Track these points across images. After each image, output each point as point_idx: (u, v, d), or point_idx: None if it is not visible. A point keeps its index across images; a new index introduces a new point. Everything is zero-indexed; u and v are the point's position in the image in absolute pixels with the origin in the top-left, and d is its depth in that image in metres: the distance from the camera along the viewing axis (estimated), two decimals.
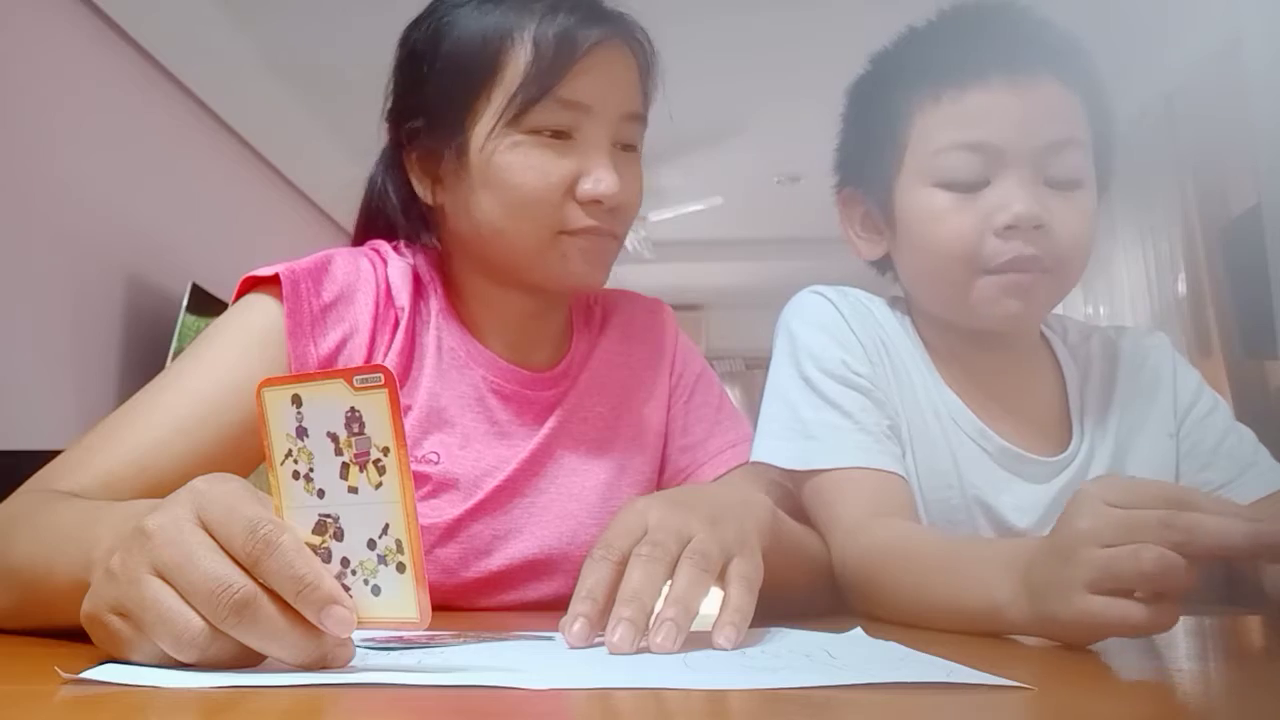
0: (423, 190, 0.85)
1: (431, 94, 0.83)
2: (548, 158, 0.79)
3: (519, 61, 0.79)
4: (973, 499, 0.88)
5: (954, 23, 0.89)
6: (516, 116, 0.79)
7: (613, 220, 0.82)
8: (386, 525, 0.45)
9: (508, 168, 0.79)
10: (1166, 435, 0.94)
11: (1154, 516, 0.51)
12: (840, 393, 0.88)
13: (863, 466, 0.84)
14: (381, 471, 0.44)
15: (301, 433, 0.45)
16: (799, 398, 0.89)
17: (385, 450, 0.44)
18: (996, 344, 0.91)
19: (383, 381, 0.43)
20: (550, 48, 0.78)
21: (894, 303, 0.97)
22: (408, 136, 0.85)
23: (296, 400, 0.45)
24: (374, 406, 0.44)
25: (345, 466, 0.45)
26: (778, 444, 0.89)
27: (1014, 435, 0.90)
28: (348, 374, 0.44)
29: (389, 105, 0.87)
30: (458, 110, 0.81)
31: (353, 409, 0.44)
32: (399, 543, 0.45)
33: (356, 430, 0.44)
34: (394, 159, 0.88)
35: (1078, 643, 0.56)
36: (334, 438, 0.45)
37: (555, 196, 0.79)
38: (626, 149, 0.84)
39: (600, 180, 0.79)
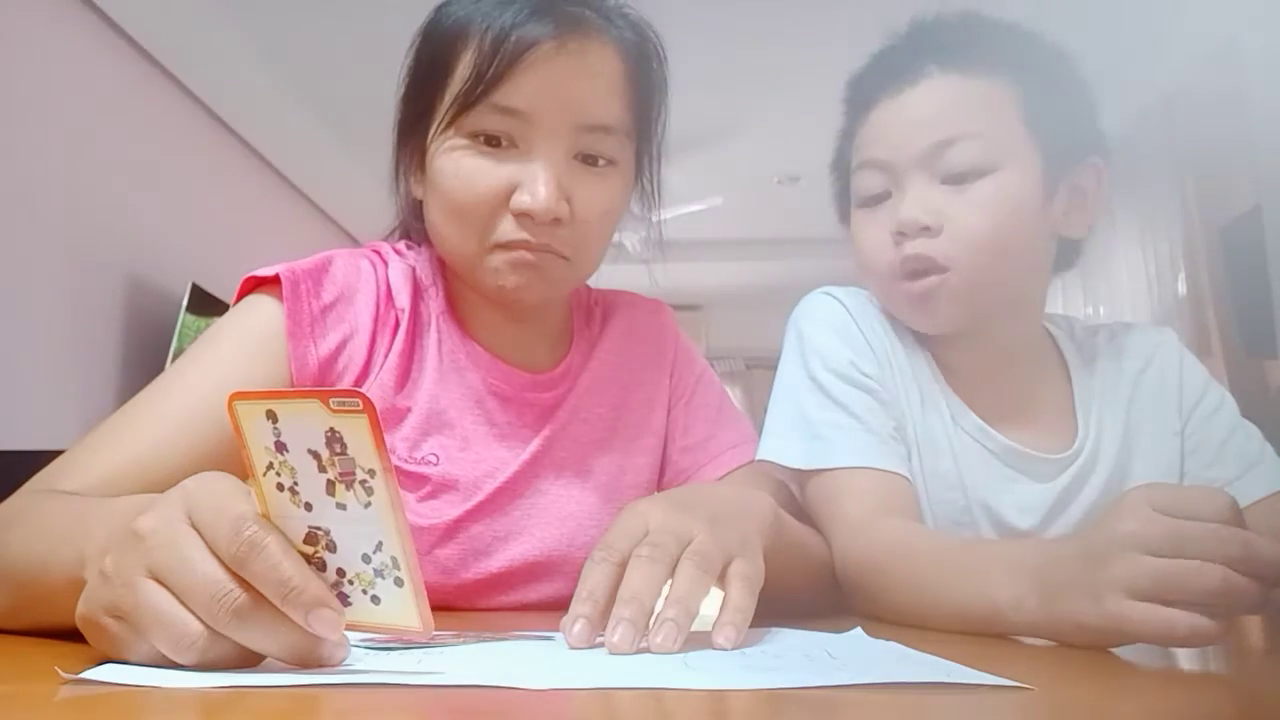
0: (412, 186, 0.86)
1: (406, 93, 0.83)
2: (481, 165, 0.77)
3: (466, 61, 0.77)
4: (975, 501, 0.88)
5: (889, 40, 0.92)
6: (454, 120, 0.77)
7: (552, 236, 0.77)
8: (380, 543, 0.44)
9: (441, 173, 0.78)
10: (1171, 433, 0.93)
11: (1208, 530, 0.51)
12: (848, 393, 0.88)
13: (868, 467, 0.84)
14: (369, 492, 0.43)
15: (281, 447, 0.44)
16: (806, 397, 0.89)
17: (371, 472, 0.43)
18: (992, 344, 0.91)
19: (361, 407, 0.41)
20: (488, 48, 0.75)
21: None
22: (399, 136, 0.85)
23: (272, 416, 0.43)
24: (354, 429, 0.42)
25: (331, 484, 0.43)
26: (784, 443, 0.89)
27: (1018, 433, 0.90)
28: (324, 395, 0.42)
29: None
30: (418, 109, 0.81)
31: (332, 429, 0.42)
32: (394, 559, 0.44)
33: (339, 450, 0.42)
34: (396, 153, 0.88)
35: (1091, 646, 0.55)
36: (316, 455, 0.43)
37: (484, 207, 0.77)
38: (593, 161, 0.79)
39: (532, 194, 0.75)
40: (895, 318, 0.93)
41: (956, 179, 0.84)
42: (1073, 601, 0.54)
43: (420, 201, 0.85)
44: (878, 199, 0.88)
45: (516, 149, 0.77)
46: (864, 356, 0.90)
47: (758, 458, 0.90)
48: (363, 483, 0.43)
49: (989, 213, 0.83)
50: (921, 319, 0.89)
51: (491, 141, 0.77)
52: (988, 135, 0.84)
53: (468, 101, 0.76)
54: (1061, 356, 0.96)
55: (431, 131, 0.79)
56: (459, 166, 0.77)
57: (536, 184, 0.75)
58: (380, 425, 0.42)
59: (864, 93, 0.90)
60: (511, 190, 0.76)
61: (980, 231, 0.83)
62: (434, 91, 0.79)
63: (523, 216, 0.76)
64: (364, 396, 0.41)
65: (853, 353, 0.90)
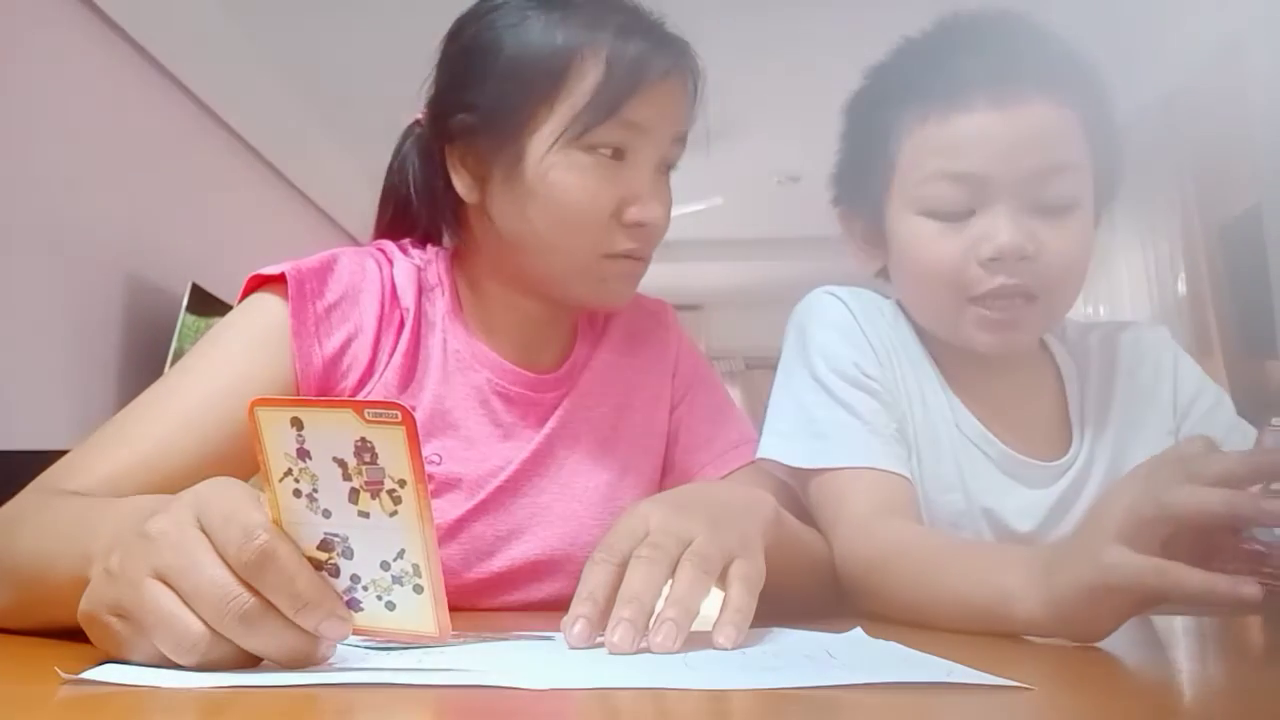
0: (465, 188, 0.83)
1: (490, 94, 0.81)
2: (600, 179, 0.79)
3: (588, 79, 0.78)
4: (977, 505, 0.88)
5: (944, 38, 0.87)
6: (580, 134, 0.78)
7: (649, 243, 0.83)
8: (402, 550, 0.44)
9: (560, 184, 0.79)
10: (1166, 433, 0.93)
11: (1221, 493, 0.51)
12: (851, 393, 0.88)
13: (870, 467, 0.84)
14: (397, 501, 0.43)
15: (303, 454, 0.43)
16: (810, 397, 0.89)
17: (401, 483, 0.43)
18: (993, 358, 0.90)
19: (400, 419, 0.42)
20: (625, 71, 0.78)
21: (901, 306, 0.96)
22: (454, 131, 0.83)
23: (296, 423, 0.43)
24: (389, 440, 0.42)
25: (355, 491, 0.43)
26: (786, 442, 0.89)
27: (1015, 440, 0.90)
28: (358, 405, 0.42)
29: (431, 97, 0.86)
30: (517, 116, 0.79)
31: (363, 439, 0.42)
32: (416, 567, 0.44)
33: (368, 460, 0.43)
34: (431, 152, 0.86)
35: (1094, 629, 0.55)
36: (341, 463, 0.43)
37: (602, 219, 0.80)
38: (667, 170, 0.85)
39: (648, 208, 0.80)
40: (925, 328, 0.92)
41: (1050, 209, 0.82)
42: (1073, 568, 0.55)
43: (463, 203, 0.84)
44: (957, 215, 0.83)
45: (623, 161, 0.80)
46: (867, 357, 0.90)
47: (759, 456, 0.90)
48: (390, 492, 0.43)
49: (1081, 246, 0.84)
50: (993, 341, 0.85)
51: (606, 154, 0.79)
52: (1079, 169, 0.83)
53: (600, 118, 0.78)
54: (1054, 360, 0.96)
55: (543, 144, 0.79)
56: (582, 180, 0.79)
57: (652, 197, 0.81)
58: (418, 437, 0.42)
59: (942, 93, 0.83)
60: (621, 203, 0.80)
61: (1075, 265, 0.84)
62: (540, 105, 0.79)
63: (637, 228, 0.81)
64: (404, 409, 0.42)
65: (856, 353, 0.90)
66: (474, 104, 0.81)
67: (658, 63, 0.79)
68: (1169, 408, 0.94)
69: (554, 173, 0.79)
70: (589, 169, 0.79)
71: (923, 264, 0.86)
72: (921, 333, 0.94)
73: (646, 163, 0.81)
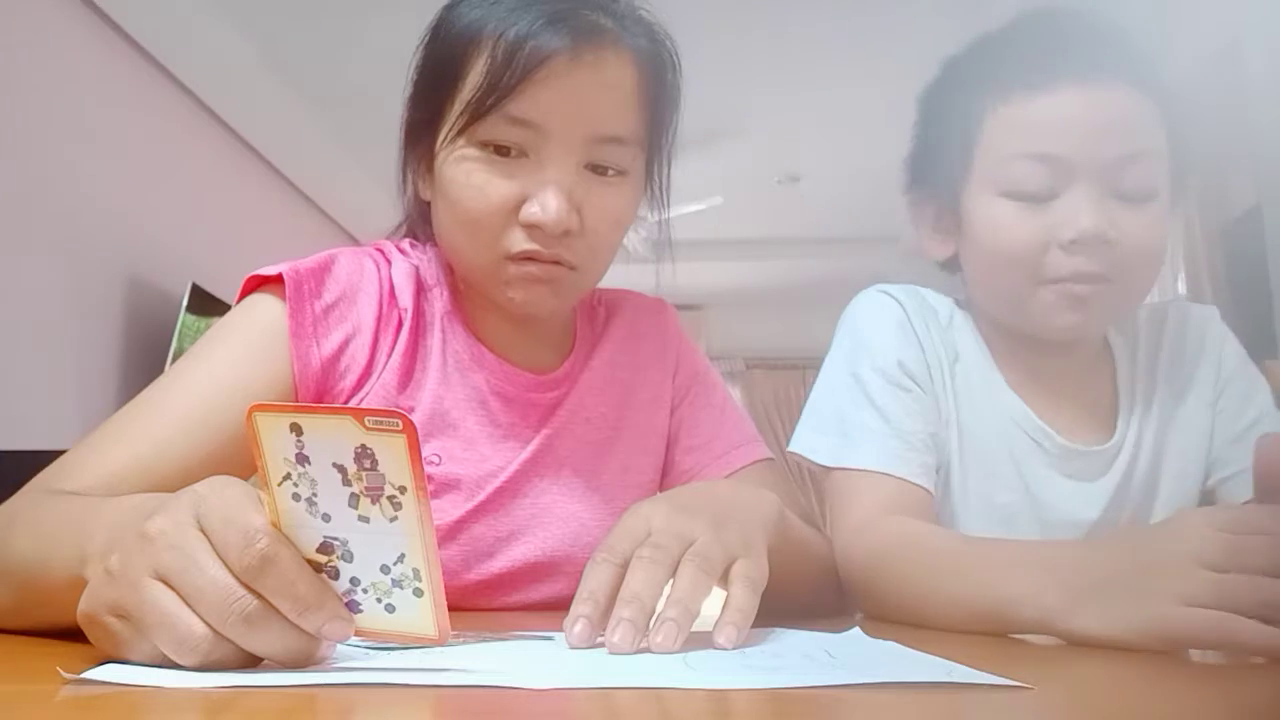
0: (418, 185, 0.85)
1: (416, 92, 0.82)
2: (491, 176, 0.76)
3: (478, 69, 0.75)
4: (1034, 500, 0.88)
5: (1026, 28, 0.87)
6: (464, 129, 0.76)
7: (563, 248, 0.77)
8: (402, 555, 0.44)
9: (451, 182, 0.77)
10: (1206, 405, 0.93)
11: (1266, 540, 0.51)
12: (886, 393, 0.88)
13: (885, 472, 0.84)
14: (397, 507, 0.43)
15: (303, 459, 0.43)
16: (844, 395, 0.89)
17: (401, 489, 0.43)
18: (1059, 348, 0.90)
19: (400, 428, 0.42)
20: (502, 58, 0.73)
21: (959, 303, 0.96)
22: (405, 127, 0.84)
23: (296, 429, 0.43)
24: (389, 448, 0.42)
25: (355, 497, 0.43)
26: (815, 438, 0.89)
27: (1071, 429, 0.90)
28: (358, 414, 0.42)
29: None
30: (429, 112, 0.80)
31: (364, 446, 0.42)
32: (416, 571, 0.44)
33: (368, 466, 0.43)
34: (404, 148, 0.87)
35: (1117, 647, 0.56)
36: (341, 469, 0.43)
37: (496, 218, 0.76)
38: (603, 171, 0.78)
39: (542, 205, 0.74)
40: (994, 314, 0.91)
41: (1130, 196, 0.81)
42: (1118, 605, 0.55)
43: (428, 203, 0.85)
44: (1038, 197, 0.82)
45: (527, 159, 0.76)
46: (912, 355, 0.90)
47: (789, 449, 0.91)
48: (390, 498, 0.43)
49: (1158, 237, 0.83)
50: (1068, 322, 0.84)
51: (501, 151, 0.76)
52: (1159, 158, 0.83)
53: (479, 111, 0.75)
54: (1108, 342, 0.95)
55: (441, 137, 0.78)
56: (469, 177, 0.76)
57: (547, 196, 0.75)
58: (419, 445, 0.42)
59: (1026, 74, 0.83)
60: (521, 202, 0.76)
61: (1152, 254, 0.84)
62: (444, 97, 0.78)
63: (533, 228, 0.76)
64: (404, 417, 0.42)
65: (901, 351, 0.89)
66: (410, 106, 0.82)
67: (544, 45, 0.73)
68: (1211, 379, 0.93)
69: (447, 169, 0.78)
70: (479, 164, 0.76)
71: (1000, 245, 0.85)
72: (981, 327, 0.93)
73: (551, 161, 0.75)
